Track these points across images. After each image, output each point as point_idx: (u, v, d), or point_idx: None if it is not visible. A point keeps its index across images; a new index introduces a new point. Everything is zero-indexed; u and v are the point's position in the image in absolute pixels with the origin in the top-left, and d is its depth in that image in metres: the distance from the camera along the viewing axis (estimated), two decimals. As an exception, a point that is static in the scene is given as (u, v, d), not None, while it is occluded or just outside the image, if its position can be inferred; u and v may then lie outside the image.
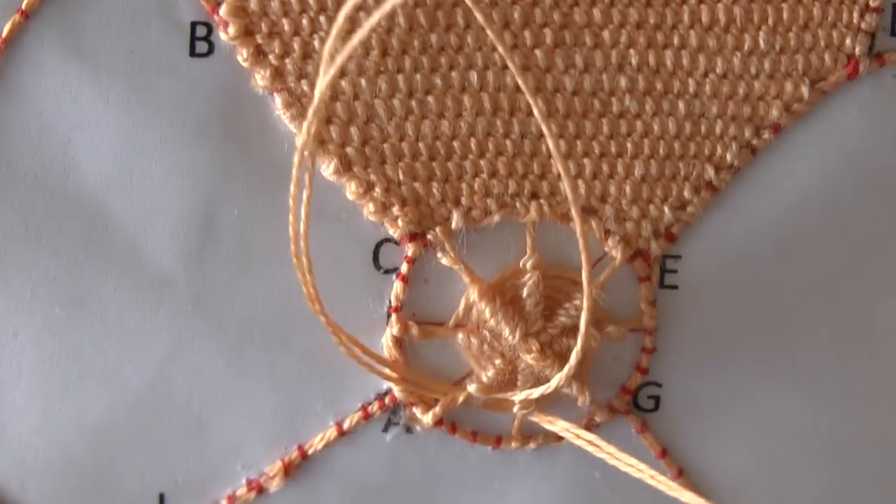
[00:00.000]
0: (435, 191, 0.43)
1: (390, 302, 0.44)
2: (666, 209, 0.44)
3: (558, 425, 0.45)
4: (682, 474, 0.47)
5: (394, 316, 0.44)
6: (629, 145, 0.43)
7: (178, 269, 0.43)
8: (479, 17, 0.39)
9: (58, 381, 0.44)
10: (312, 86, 0.41)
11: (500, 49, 0.38)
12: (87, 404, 0.45)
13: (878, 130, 0.44)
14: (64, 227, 0.43)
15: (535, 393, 0.43)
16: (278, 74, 0.42)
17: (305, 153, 0.40)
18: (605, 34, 0.42)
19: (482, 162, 0.43)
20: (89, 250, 0.43)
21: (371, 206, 0.43)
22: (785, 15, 0.42)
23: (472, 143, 0.43)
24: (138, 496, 0.46)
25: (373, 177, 0.42)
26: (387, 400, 0.45)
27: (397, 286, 0.44)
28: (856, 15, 0.43)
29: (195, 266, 0.43)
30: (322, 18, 0.41)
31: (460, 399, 0.44)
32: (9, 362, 0.44)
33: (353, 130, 0.42)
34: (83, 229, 0.43)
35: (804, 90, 0.43)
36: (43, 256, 0.43)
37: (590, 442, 0.44)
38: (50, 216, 0.43)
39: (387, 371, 0.43)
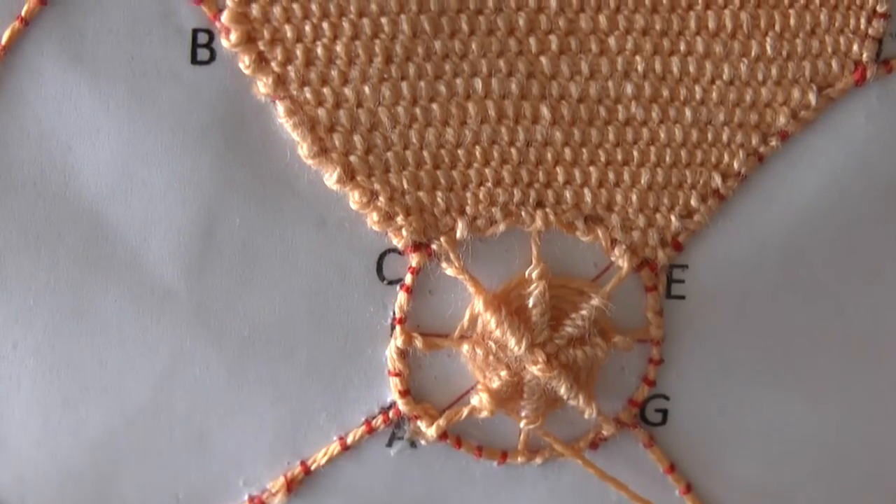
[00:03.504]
0: (439, 200, 0.42)
1: (394, 313, 0.44)
2: (673, 218, 0.43)
3: (562, 446, 0.45)
4: (691, 489, 0.46)
5: (398, 327, 0.43)
6: (635, 153, 0.43)
7: (179, 280, 0.43)
8: None
9: (57, 394, 0.44)
10: (315, 94, 0.41)
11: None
12: (87, 417, 0.44)
13: (886, 137, 0.44)
14: (64, 237, 0.42)
15: None
16: (280, 82, 0.41)
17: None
18: (611, 40, 0.42)
19: (487, 170, 0.42)
20: (89, 260, 0.43)
21: (375, 216, 0.42)
22: (792, 21, 0.42)
23: (477, 152, 0.42)
24: (139, 512, 0.45)
25: (376, 186, 0.42)
26: (391, 413, 0.45)
27: (401, 297, 0.43)
28: (863, 21, 0.43)
29: (196, 276, 0.43)
30: (325, 25, 0.41)
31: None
32: (8, 374, 0.44)
33: (357, 139, 0.42)
34: (83, 239, 0.42)
35: (811, 97, 0.43)
36: (42, 266, 0.43)
37: (589, 463, 0.44)
38: (50, 225, 0.42)
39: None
